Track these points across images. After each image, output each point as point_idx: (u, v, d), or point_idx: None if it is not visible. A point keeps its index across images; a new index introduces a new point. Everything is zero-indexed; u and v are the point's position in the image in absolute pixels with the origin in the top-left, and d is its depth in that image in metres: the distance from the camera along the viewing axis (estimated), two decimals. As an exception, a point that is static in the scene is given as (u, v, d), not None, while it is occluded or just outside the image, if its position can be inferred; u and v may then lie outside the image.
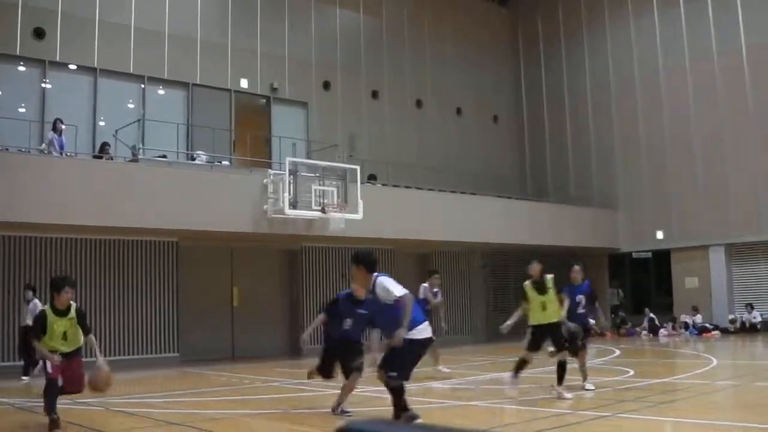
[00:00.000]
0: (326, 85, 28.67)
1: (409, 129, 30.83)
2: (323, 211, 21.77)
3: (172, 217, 20.04)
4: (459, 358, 20.42)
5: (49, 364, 9.41)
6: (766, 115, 27.41)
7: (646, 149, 30.94)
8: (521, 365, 11.77)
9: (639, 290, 31.62)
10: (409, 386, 14.13)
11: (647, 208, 30.67)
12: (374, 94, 30.16)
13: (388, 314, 8.17)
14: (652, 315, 28.98)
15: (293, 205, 21.31)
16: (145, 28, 24.38)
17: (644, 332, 28.71)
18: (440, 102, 32.25)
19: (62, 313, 9.62)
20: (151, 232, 20.79)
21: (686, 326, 28.10)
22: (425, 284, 16.25)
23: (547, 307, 11.76)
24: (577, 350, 12.32)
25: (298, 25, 28.14)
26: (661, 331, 28.34)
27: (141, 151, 22.14)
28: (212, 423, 10.01)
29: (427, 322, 8.35)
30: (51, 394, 9.36)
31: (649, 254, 31.10)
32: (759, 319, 27.31)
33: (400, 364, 8.14)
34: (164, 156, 22.53)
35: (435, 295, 16.30)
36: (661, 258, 30.63)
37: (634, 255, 31.20)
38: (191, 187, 20.56)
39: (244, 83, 26.53)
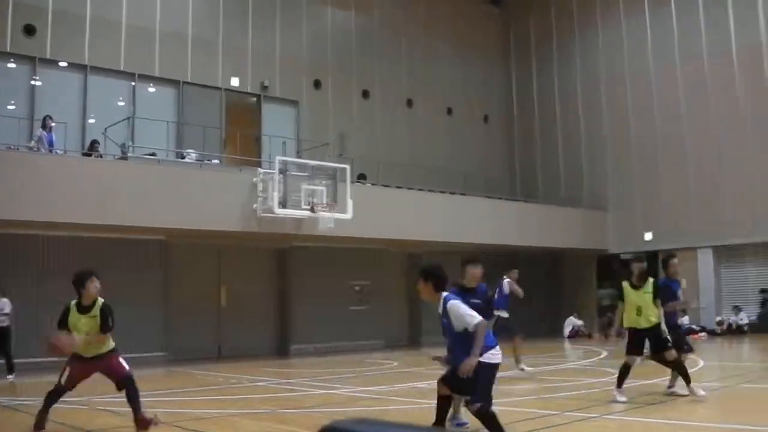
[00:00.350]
0: (317, 84, 28.66)
1: (399, 129, 30.83)
2: (312, 210, 21.78)
3: (161, 215, 20.03)
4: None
5: (66, 374, 9.12)
6: (756, 117, 27.45)
7: (636, 150, 30.97)
8: (625, 372, 11.39)
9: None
10: (395, 387, 14.17)
11: (637, 210, 30.71)
12: (365, 94, 30.15)
13: (451, 333, 7.62)
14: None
15: (283, 204, 21.32)
16: (136, 26, 24.33)
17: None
18: (431, 102, 32.24)
19: (86, 309, 9.29)
20: (140, 230, 20.75)
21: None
22: (507, 279, 16.10)
23: (642, 311, 11.41)
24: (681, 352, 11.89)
25: (289, 24, 28.12)
26: (649, 332, 28.36)
27: (130, 149, 22.10)
28: (198, 422, 10.00)
29: (498, 346, 7.63)
30: (52, 398, 9.21)
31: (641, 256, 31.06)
32: (746, 321, 27.41)
33: (476, 388, 7.44)
34: (154, 154, 22.51)
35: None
36: (650, 259, 30.61)
37: (623, 256, 31.19)
38: (181, 185, 20.56)
39: (234, 81, 26.50)
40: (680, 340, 12.20)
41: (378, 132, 30.00)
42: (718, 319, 27.84)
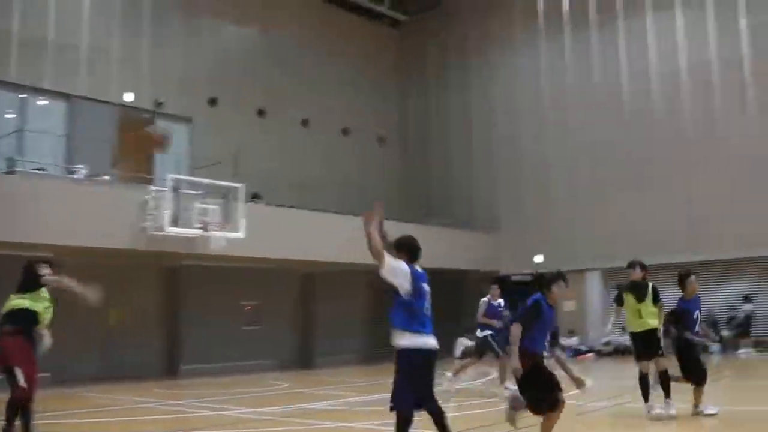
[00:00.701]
0: (212, 102, 28.37)
1: (295, 148, 30.67)
2: (204, 229, 21.53)
3: (50, 231, 19.45)
4: (337, 380, 20.48)
5: (21, 377, 9.33)
6: (642, 142, 28.38)
7: (528, 173, 31.58)
8: (644, 382, 11.41)
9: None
10: (285, 408, 14.06)
11: (528, 232, 31.20)
12: (260, 112, 29.96)
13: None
14: (529, 337, 29.47)
15: (174, 222, 21.01)
16: (27, 36, 23.69)
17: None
18: (326, 122, 32.23)
19: None
20: (28, 246, 20.13)
21: (563, 349, 28.69)
22: (488, 296, 16.50)
23: (643, 315, 11.52)
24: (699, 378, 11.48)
25: (186, 41, 27.83)
26: (538, 353, 28.86)
27: (19, 163, 21.50)
28: (81, 445, 9.77)
29: (431, 335, 7.14)
30: (14, 405, 9.46)
31: (529, 278, 31.59)
32: (630, 341, 28.05)
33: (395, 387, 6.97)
34: (43, 169, 21.96)
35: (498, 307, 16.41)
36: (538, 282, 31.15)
37: (513, 278, 31.62)
38: (70, 201, 20.01)
39: (128, 97, 26.01)
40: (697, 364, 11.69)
41: (274, 151, 29.76)
42: (605, 340, 28.46)
